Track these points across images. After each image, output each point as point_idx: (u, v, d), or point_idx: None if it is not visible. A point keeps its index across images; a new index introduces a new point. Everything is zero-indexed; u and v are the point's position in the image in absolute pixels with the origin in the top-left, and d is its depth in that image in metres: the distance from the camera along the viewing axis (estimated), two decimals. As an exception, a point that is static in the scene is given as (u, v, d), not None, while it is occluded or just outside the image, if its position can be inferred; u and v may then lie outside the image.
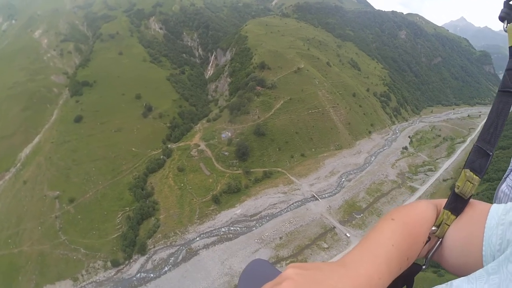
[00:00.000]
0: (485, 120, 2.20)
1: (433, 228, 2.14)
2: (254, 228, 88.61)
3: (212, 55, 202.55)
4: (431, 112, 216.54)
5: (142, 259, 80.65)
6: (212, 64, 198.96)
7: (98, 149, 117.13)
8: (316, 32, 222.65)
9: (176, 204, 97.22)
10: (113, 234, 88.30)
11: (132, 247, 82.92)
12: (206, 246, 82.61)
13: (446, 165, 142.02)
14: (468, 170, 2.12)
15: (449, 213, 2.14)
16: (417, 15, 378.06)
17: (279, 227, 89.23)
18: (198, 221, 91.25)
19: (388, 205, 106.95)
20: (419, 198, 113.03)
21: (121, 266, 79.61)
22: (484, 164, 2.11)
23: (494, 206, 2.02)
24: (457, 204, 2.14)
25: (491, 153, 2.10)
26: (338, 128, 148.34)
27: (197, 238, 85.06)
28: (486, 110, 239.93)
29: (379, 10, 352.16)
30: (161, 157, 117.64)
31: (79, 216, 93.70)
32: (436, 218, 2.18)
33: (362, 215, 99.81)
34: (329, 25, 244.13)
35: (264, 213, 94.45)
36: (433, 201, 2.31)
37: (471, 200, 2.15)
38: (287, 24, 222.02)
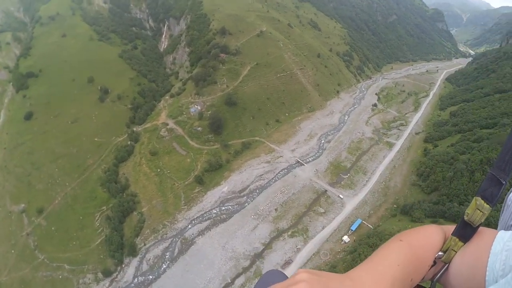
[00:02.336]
0: (502, 148, 2.18)
1: (440, 253, 2.19)
2: (246, 204, 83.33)
3: (164, 26, 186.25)
4: (391, 68, 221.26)
5: (135, 262, 71.93)
6: (165, 35, 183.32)
7: (57, 146, 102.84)
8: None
9: (157, 192, 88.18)
10: (95, 240, 78.04)
11: (120, 250, 73.72)
12: (201, 233, 75.70)
13: (416, 119, 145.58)
14: (479, 198, 2.13)
15: (457, 239, 2.18)
16: None
17: (272, 198, 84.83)
18: (185, 207, 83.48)
19: (371, 162, 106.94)
20: (397, 152, 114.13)
21: (114, 275, 70.48)
22: (496, 193, 2.11)
23: (501, 233, 2.04)
24: (465, 231, 2.18)
25: (504, 182, 2.09)
26: (308, 90, 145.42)
27: (189, 226, 77.67)
28: (442, 65, 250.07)
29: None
30: (129, 143, 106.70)
31: (52, 228, 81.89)
32: (444, 243, 2.23)
33: (348, 174, 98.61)
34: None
35: (252, 186, 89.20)
36: (442, 227, 2.37)
37: (480, 228, 2.16)
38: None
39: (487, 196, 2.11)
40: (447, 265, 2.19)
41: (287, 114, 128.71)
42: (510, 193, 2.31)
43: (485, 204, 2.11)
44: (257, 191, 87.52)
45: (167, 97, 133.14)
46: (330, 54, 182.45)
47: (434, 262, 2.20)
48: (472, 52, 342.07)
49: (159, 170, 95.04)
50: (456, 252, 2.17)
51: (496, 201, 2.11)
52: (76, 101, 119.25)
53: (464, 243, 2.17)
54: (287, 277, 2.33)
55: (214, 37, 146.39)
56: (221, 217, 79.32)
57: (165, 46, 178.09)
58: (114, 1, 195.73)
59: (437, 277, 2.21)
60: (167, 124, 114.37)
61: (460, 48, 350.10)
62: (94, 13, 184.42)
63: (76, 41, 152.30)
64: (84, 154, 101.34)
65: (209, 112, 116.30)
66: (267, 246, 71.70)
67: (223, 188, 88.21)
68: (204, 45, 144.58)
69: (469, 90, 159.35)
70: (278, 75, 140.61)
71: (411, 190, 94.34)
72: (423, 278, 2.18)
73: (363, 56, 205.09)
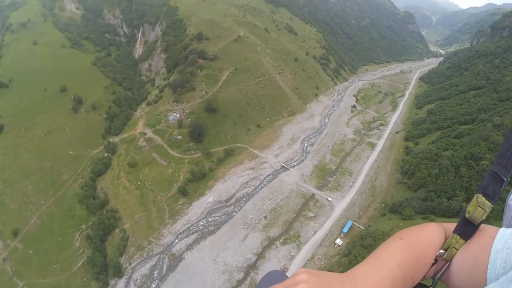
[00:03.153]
0: (502, 144, 2.16)
1: (441, 251, 2.19)
2: (234, 213, 79.75)
3: (139, 32, 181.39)
4: (367, 70, 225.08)
5: (121, 283, 66.50)
6: (140, 42, 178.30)
7: (30, 161, 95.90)
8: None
9: (138, 207, 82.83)
10: (77, 262, 72.08)
11: (105, 272, 68.21)
12: (190, 247, 71.19)
13: (394, 119, 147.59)
14: (480, 195, 2.12)
15: (458, 237, 2.18)
16: None
17: (260, 206, 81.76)
18: (170, 220, 78.68)
19: (355, 163, 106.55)
20: (380, 152, 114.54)
21: (101, 299, 64.62)
22: (497, 190, 2.10)
23: (502, 230, 2.05)
24: (467, 229, 2.17)
25: (505, 179, 2.09)
26: (288, 94, 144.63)
27: (176, 241, 72.99)
28: (415, 65, 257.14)
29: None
30: (105, 155, 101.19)
31: (30, 251, 75.34)
32: (445, 241, 2.23)
33: (334, 176, 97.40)
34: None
35: (239, 194, 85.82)
36: (443, 224, 2.37)
37: (481, 225, 2.16)
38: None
39: (489, 193, 2.10)
40: (448, 263, 2.18)
41: (268, 119, 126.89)
42: (511, 194, 2.26)
43: (486, 202, 2.09)
44: (244, 199, 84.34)
45: (143, 105, 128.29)
46: (307, 57, 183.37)
47: (435, 260, 2.19)
48: (443, 52, 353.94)
49: (139, 182, 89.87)
50: (458, 250, 2.16)
51: (497, 198, 2.09)
52: (48, 112, 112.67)
53: (466, 241, 2.16)
54: (287, 278, 2.31)
55: (191, 42, 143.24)
56: (209, 229, 75.36)
57: (140, 53, 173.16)
58: (87, 7, 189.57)
59: (438, 275, 2.20)
60: (145, 134, 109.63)
61: (431, 49, 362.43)
62: (66, 19, 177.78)
63: (47, 49, 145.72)
64: (58, 168, 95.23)
65: (188, 120, 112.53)
66: (260, 255, 68.57)
67: (209, 198, 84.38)
68: (180, 51, 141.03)
69: (444, 88, 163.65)
70: (257, 79, 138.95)
71: (397, 188, 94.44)
72: (425, 276, 2.18)
73: (339, 59, 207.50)
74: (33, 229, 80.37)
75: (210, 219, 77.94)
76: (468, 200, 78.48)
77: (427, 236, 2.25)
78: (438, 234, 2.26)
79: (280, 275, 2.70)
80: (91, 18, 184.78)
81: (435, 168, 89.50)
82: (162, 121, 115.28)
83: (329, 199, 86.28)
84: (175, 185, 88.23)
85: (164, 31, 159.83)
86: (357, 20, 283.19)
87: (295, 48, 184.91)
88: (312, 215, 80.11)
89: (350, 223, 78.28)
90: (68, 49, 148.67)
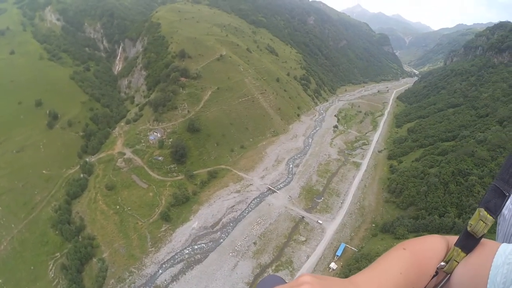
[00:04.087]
0: (505, 160, 2.20)
1: (442, 263, 2.20)
2: (221, 240, 74.71)
3: (119, 47, 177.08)
4: (345, 90, 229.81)
5: None
6: (120, 57, 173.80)
7: (1, 180, 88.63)
8: (231, 19, 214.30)
9: (118, 233, 76.29)
10: None
11: None
12: (175, 278, 65.15)
13: (376, 138, 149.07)
14: (482, 209, 2.14)
15: (459, 250, 2.17)
16: (320, 2, 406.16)
17: (248, 231, 77.28)
18: (153, 249, 72.41)
19: (342, 183, 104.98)
20: (365, 172, 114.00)
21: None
22: (499, 205, 2.14)
23: (503, 246, 2.04)
24: (468, 242, 2.17)
25: (508, 194, 2.13)
26: (270, 115, 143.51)
27: (160, 271, 66.86)
28: (391, 85, 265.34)
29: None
30: (81, 175, 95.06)
31: (0, 280, 68.02)
32: (446, 254, 2.24)
33: (323, 198, 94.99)
34: (242, 11, 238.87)
35: (225, 219, 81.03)
36: (445, 237, 2.39)
37: (482, 239, 2.16)
38: (200, 10, 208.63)
39: (491, 207, 2.12)
40: (449, 275, 2.17)
41: (251, 140, 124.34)
42: (506, 204, 2.24)
43: (488, 216, 2.11)
44: (231, 224, 79.69)
45: (122, 124, 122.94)
46: (288, 78, 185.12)
47: (436, 272, 2.19)
48: (417, 72, 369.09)
49: (118, 207, 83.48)
50: (458, 262, 2.15)
51: (499, 213, 2.13)
52: (22, 127, 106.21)
53: (467, 254, 2.15)
54: (286, 282, 2.37)
55: (173, 60, 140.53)
56: (196, 257, 69.76)
57: (120, 69, 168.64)
58: (67, 19, 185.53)
59: (438, 287, 2.19)
60: (124, 154, 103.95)
61: (405, 69, 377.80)
62: (46, 30, 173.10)
63: (25, 60, 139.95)
64: (31, 189, 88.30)
65: (170, 140, 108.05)
66: (252, 285, 63.66)
67: (193, 224, 79.04)
68: (162, 68, 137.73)
69: (422, 107, 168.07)
70: (240, 99, 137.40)
71: (386, 208, 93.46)
72: (425, 287, 2.18)
73: (319, 79, 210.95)
74: (3, 255, 72.91)
75: (196, 247, 72.48)
76: (460, 215, 78.78)
77: (429, 248, 2.27)
78: (440, 246, 2.27)
79: (279, 280, 2.64)
80: (71, 30, 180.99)
81: (424, 186, 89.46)
82: (142, 140, 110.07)
83: (319, 221, 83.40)
84: (156, 210, 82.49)
85: (146, 48, 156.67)
86: (335, 42, 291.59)
87: (277, 68, 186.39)
88: (303, 239, 76.66)
89: (343, 245, 75.52)
90: (46, 61, 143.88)
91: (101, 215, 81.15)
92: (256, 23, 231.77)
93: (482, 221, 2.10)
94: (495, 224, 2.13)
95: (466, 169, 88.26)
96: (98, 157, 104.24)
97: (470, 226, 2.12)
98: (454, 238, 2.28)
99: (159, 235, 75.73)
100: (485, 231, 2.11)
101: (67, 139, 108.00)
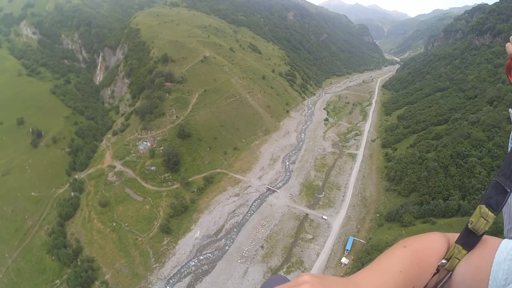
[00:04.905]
0: (507, 156, 2.18)
1: (443, 261, 2.18)
2: (227, 247, 71.52)
3: (99, 56, 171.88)
4: (331, 83, 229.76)
5: None
6: (100, 67, 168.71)
7: None
8: (210, 20, 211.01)
9: (118, 252, 71.97)
10: None
11: None
12: None
13: (367, 127, 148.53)
14: (483, 206, 2.11)
15: (461, 247, 2.16)
16: None
17: (253, 235, 74.47)
18: (157, 264, 68.45)
19: (340, 176, 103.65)
20: (362, 162, 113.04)
21: None
22: (501, 201, 2.10)
23: (505, 241, 2.04)
24: (469, 239, 2.16)
25: (509, 190, 2.09)
26: (260, 113, 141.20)
27: (167, 287, 63.13)
28: (374, 74, 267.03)
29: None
30: (72, 194, 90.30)
31: None
32: (447, 251, 2.22)
33: (324, 193, 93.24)
34: (221, 11, 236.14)
35: (228, 225, 77.82)
36: (446, 234, 2.38)
37: (484, 236, 2.15)
38: (179, 13, 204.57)
39: (492, 204, 2.09)
40: (450, 273, 2.16)
41: (244, 140, 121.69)
42: (505, 201, 2.20)
43: (489, 212, 2.08)
44: (235, 230, 76.54)
45: (109, 135, 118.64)
46: (274, 75, 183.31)
47: (437, 270, 2.17)
48: (398, 59, 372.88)
49: (114, 224, 79.19)
50: (460, 260, 2.14)
51: (500, 209, 2.11)
52: (5, 149, 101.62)
53: (468, 251, 2.14)
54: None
55: (156, 65, 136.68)
56: (203, 268, 66.36)
57: (101, 79, 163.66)
58: (43, 32, 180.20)
59: (440, 285, 2.18)
60: (114, 167, 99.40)
61: (386, 57, 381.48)
62: (22, 45, 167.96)
63: (3, 77, 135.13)
64: (21, 213, 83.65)
65: (161, 148, 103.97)
66: (266, 290, 61.20)
67: (195, 234, 75.41)
68: (145, 75, 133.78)
69: (409, 93, 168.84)
70: (228, 100, 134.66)
71: (387, 196, 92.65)
72: (426, 285, 2.16)
73: (304, 74, 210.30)
74: (0, 288, 68.40)
75: (202, 257, 69.00)
76: (464, 197, 78.42)
77: (430, 245, 2.24)
78: (441, 243, 2.25)
79: (283, 279, 2.63)
80: (48, 43, 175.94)
81: (423, 171, 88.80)
82: (132, 151, 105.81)
83: (324, 217, 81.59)
84: (155, 223, 78.53)
85: (126, 55, 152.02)
86: (316, 36, 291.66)
87: (261, 66, 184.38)
88: (311, 236, 74.62)
89: (351, 239, 74.01)
90: (25, 77, 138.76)
91: (98, 235, 76.72)
92: (236, 22, 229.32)
93: (483, 218, 2.07)
94: (496, 221, 2.08)
95: (464, 151, 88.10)
96: (87, 173, 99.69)
97: (471, 224, 2.09)
98: (455, 236, 2.24)
99: (161, 249, 71.90)
100: (487, 228, 2.08)
101: (53, 157, 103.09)
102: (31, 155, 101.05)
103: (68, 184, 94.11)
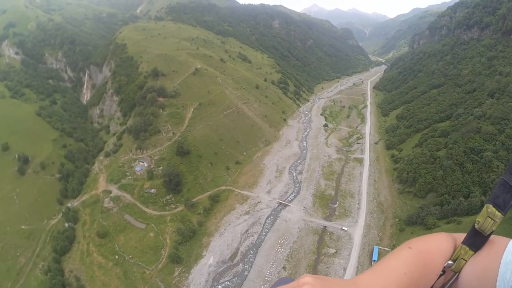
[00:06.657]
0: None
1: (449, 262, 2.13)
2: (246, 272, 65.30)
3: (85, 75, 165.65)
4: (322, 88, 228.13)
5: None
6: (87, 86, 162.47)
7: None
8: (197, 31, 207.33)
9: None
10: None
11: None
12: None
13: (368, 130, 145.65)
14: (490, 206, 2.05)
15: (467, 248, 2.11)
16: (281, 5, 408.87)
17: (273, 256, 68.68)
18: None
19: (351, 183, 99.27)
20: (370, 166, 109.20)
21: None
22: (508, 200, 2.03)
23: None
24: (476, 240, 2.10)
25: None
26: (258, 124, 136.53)
27: None
28: (363, 76, 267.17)
29: (250, 4, 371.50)
30: (66, 225, 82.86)
31: None
32: (454, 252, 2.16)
33: (338, 202, 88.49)
34: (207, 23, 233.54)
35: (243, 248, 71.53)
36: (452, 235, 2.32)
37: (491, 236, 2.10)
38: (165, 26, 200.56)
39: (499, 203, 2.02)
40: (456, 274, 2.10)
41: (245, 153, 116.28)
42: None
43: (496, 212, 2.02)
44: (252, 252, 70.34)
45: (101, 157, 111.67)
46: (267, 84, 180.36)
47: (443, 271, 2.12)
48: (383, 60, 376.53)
49: (117, 256, 71.68)
50: (466, 261, 2.08)
51: (508, 209, 2.03)
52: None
53: (475, 252, 2.09)
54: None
55: (146, 80, 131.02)
56: (223, 299, 59.63)
57: (88, 98, 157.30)
58: (26, 51, 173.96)
59: (446, 287, 2.13)
60: (110, 192, 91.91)
61: (372, 59, 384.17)
62: (4, 66, 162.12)
63: None
64: (12, 250, 76.19)
65: (160, 168, 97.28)
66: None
67: (209, 260, 68.77)
68: (136, 91, 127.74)
69: (403, 93, 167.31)
70: (225, 112, 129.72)
71: (402, 199, 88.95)
72: (432, 287, 2.11)
73: (296, 81, 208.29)
74: None
75: (220, 287, 62.41)
76: (485, 193, 74.97)
77: (435, 246, 2.18)
78: (447, 244, 2.18)
79: (289, 280, 2.48)
80: (32, 63, 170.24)
81: (438, 170, 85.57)
82: (128, 173, 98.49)
83: (343, 228, 76.78)
84: (163, 253, 71.38)
85: (114, 71, 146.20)
86: (302, 42, 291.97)
87: (253, 75, 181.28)
88: (333, 251, 69.48)
89: (376, 248, 69.43)
90: (8, 99, 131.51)
91: (99, 270, 69.24)
92: (223, 33, 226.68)
93: (490, 218, 2.00)
94: (503, 221, 1.99)
95: (478, 146, 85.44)
96: (81, 200, 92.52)
97: (478, 224, 2.03)
98: (461, 236, 2.15)
99: (173, 281, 64.82)
100: (494, 228, 2.01)
101: (42, 184, 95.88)
102: (18, 183, 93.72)
103: (61, 214, 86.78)
